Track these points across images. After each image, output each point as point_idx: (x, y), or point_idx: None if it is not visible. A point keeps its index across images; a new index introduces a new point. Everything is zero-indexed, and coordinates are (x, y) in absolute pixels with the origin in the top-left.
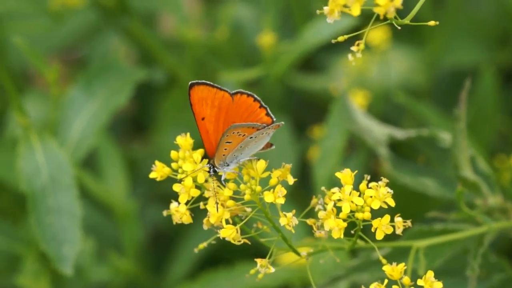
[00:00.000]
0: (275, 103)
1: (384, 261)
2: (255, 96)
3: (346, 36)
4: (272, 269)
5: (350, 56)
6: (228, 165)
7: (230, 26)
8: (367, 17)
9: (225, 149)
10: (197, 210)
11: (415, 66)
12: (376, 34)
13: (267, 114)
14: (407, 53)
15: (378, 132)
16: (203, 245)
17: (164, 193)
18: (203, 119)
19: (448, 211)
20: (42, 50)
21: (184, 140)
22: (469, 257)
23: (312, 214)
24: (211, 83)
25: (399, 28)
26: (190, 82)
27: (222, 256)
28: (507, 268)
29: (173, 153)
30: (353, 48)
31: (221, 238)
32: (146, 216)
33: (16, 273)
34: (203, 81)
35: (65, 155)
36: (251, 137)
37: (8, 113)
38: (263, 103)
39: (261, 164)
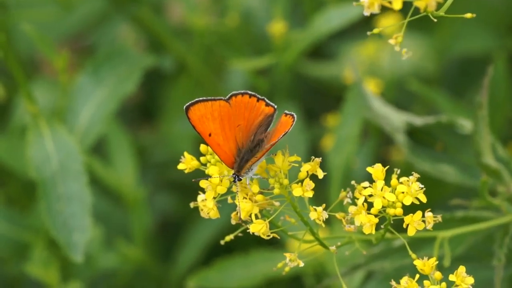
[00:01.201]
0: (285, 91)
1: (413, 256)
2: (249, 92)
3: (380, 28)
4: (302, 263)
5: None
6: (252, 169)
7: (239, 13)
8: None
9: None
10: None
11: (425, 54)
12: (389, 22)
13: (267, 104)
14: (418, 40)
15: (395, 119)
16: (230, 237)
17: (172, 181)
18: (210, 135)
19: (467, 198)
20: (51, 38)
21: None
22: (495, 246)
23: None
24: (204, 98)
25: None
26: (185, 106)
27: (231, 244)
28: None
29: (202, 146)
30: (391, 41)
31: (251, 233)
32: (154, 204)
33: (25, 261)
34: (196, 99)
35: (75, 142)
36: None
37: (15, 101)
38: (259, 96)
39: (292, 158)
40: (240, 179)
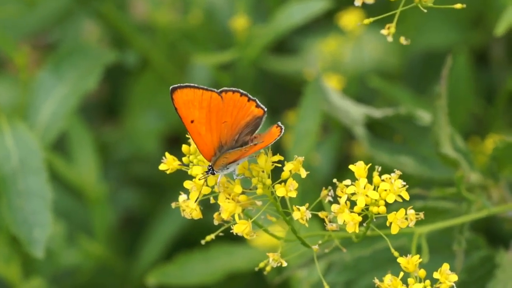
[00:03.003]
0: (249, 87)
1: (396, 253)
2: (241, 91)
3: (371, 19)
4: (285, 263)
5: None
6: (227, 168)
7: (203, 9)
8: (340, 1)
9: (226, 158)
10: (168, 192)
11: (388, 49)
12: (350, 18)
13: (257, 106)
14: (380, 34)
15: (354, 112)
16: (211, 236)
17: (136, 177)
18: (192, 121)
19: (426, 189)
20: (13, 36)
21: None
22: (455, 232)
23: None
24: (196, 85)
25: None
26: (171, 87)
27: (195, 239)
28: (483, 246)
29: (184, 147)
30: (383, 32)
31: (234, 233)
32: (118, 200)
33: None
34: (187, 84)
35: (35, 138)
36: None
37: None
38: (251, 96)
39: (275, 158)
40: (214, 173)
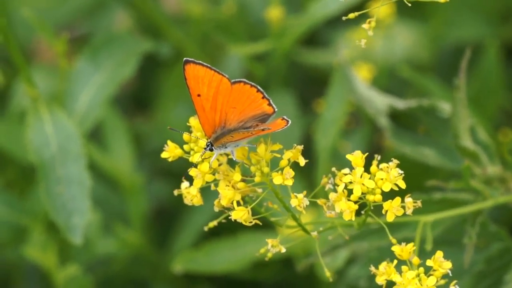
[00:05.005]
0: (281, 78)
1: (394, 241)
2: (259, 87)
3: (356, 13)
4: (284, 249)
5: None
6: (226, 148)
7: (236, 0)
8: None
9: (231, 137)
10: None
11: (419, 41)
12: (381, 9)
13: (269, 104)
14: (411, 27)
15: (379, 102)
16: (213, 223)
17: (168, 168)
18: (198, 95)
19: (448, 181)
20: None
21: (196, 122)
22: (467, 225)
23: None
24: (209, 65)
25: (409, 4)
26: (185, 59)
27: (226, 227)
28: (506, 238)
29: (185, 136)
30: (364, 26)
31: (232, 220)
32: (150, 191)
33: (23, 245)
34: (200, 62)
35: (74, 125)
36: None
37: (13, 87)
38: (265, 94)
39: (275, 147)
40: (212, 150)
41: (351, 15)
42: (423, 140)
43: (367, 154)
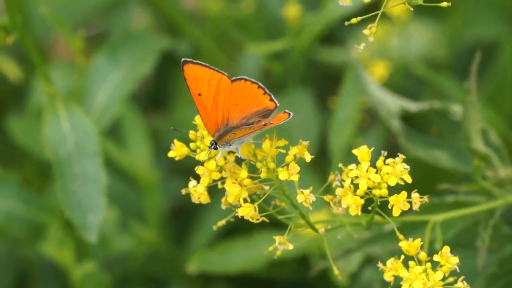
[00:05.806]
0: (298, 76)
1: (401, 237)
2: (260, 84)
3: (359, 18)
4: (291, 246)
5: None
6: (230, 145)
7: None
8: None
9: (234, 134)
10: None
11: (435, 39)
12: (397, 6)
13: (271, 100)
14: (428, 25)
15: (391, 104)
16: (222, 222)
17: (184, 167)
18: (199, 94)
19: (460, 184)
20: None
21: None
22: (480, 228)
23: (331, 187)
24: (207, 64)
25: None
26: (183, 59)
27: (242, 226)
28: None
29: (191, 134)
30: (365, 32)
31: (239, 217)
32: (167, 189)
33: (40, 241)
34: (199, 61)
35: (91, 123)
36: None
37: (31, 83)
38: (267, 90)
39: (280, 143)
40: (216, 148)
41: (354, 20)
42: (436, 142)
43: (373, 148)
